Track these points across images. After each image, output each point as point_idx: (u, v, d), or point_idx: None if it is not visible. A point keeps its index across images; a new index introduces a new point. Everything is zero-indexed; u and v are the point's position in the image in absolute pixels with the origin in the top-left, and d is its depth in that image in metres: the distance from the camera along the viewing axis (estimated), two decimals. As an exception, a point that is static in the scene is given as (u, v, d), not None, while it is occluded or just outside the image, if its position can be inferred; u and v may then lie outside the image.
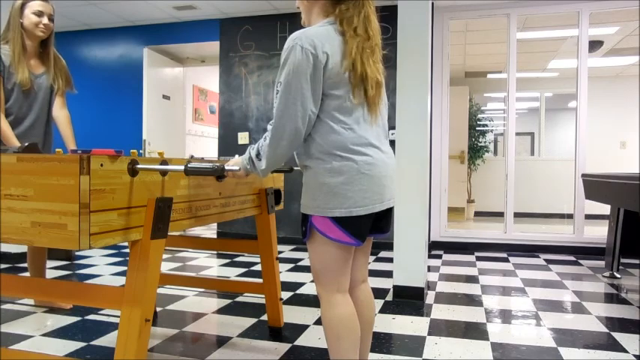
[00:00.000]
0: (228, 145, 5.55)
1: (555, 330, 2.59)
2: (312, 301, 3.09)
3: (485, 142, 8.15)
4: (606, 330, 2.60)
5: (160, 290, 3.20)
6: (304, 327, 2.59)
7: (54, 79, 2.62)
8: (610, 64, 7.45)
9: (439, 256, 4.75)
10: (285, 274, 3.89)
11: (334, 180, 1.47)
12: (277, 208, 2.43)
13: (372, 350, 2.27)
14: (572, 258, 4.72)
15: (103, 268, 4.00)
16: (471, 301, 3.16)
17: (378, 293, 3.27)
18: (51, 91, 2.64)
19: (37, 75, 2.55)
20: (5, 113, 2.48)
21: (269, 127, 1.48)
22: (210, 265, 4.27)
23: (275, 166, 1.51)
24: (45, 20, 2.45)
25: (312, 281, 3.62)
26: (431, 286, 3.52)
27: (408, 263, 3.12)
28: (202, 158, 2.17)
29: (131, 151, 1.49)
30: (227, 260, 4.45)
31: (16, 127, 2.51)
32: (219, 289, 3.28)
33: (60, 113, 2.72)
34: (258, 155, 1.50)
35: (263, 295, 2.46)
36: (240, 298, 3.13)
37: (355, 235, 1.50)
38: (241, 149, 5.41)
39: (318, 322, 2.68)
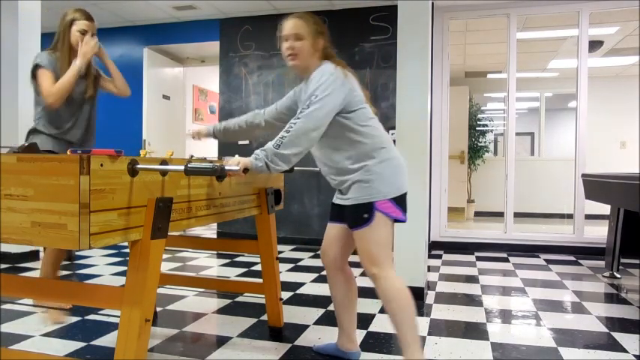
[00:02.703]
0: (228, 145, 5.55)
1: (555, 330, 2.59)
2: (312, 301, 3.09)
3: (485, 142, 8.15)
4: (606, 330, 2.60)
5: (160, 290, 3.20)
6: (304, 327, 2.59)
7: (91, 86, 2.79)
8: (610, 64, 7.45)
9: (439, 256, 4.75)
10: (285, 274, 3.89)
11: (385, 170, 1.86)
12: (277, 208, 2.43)
13: (372, 350, 2.27)
14: (572, 258, 4.72)
15: (103, 268, 4.00)
16: (471, 301, 3.16)
17: (378, 293, 3.27)
18: (89, 97, 2.80)
19: (78, 83, 2.71)
20: (50, 117, 2.64)
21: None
22: (210, 265, 4.27)
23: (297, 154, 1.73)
24: (87, 38, 2.64)
25: (311, 281, 3.63)
26: (431, 286, 3.52)
27: (408, 263, 3.12)
28: (205, 158, 2.17)
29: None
30: (227, 260, 4.45)
31: (59, 130, 2.66)
32: (219, 289, 3.28)
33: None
34: (279, 146, 1.69)
35: (263, 295, 2.46)
36: (240, 298, 3.13)
37: (405, 211, 1.91)
38: (241, 149, 5.41)
39: (318, 322, 2.68)
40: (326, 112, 1.76)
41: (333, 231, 2.08)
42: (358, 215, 1.86)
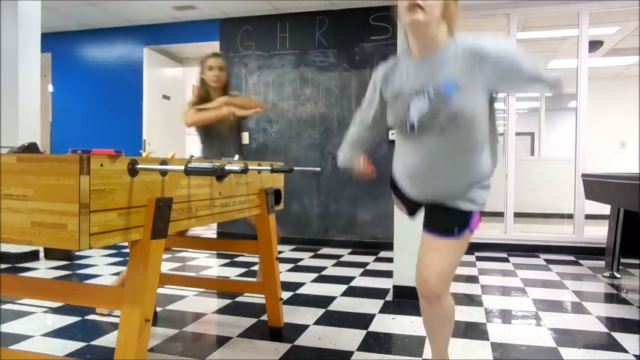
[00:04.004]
0: (228, 145, 5.54)
1: (555, 330, 2.59)
2: (312, 301, 3.09)
3: (485, 142, 8.13)
4: (606, 330, 2.60)
5: (160, 290, 3.20)
6: (304, 327, 2.59)
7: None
8: (610, 64, 7.45)
9: (439, 256, 4.74)
10: (285, 274, 3.89)
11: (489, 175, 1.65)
12: (277, 208, 2.43)
13: (372, 350, 2.27)
14: (572, 258, 4.72)
15: (103, 268, 4.00)
16: (471, 301, 3.16)
17: (378, 293, 3.27)
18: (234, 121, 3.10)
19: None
20: (201, 136, 3.11)
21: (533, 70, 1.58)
22: (210, 265, 4.27)
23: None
24: (215, 72, 3.02)
25: (311, 281, 3.63)
26: (431, 286, 3.51)
27: (408, 263, 3.10)
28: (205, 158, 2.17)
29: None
30: (227, 260, 4.45)
31: (210, 152, 3.04)
32: (219, 289, 3.28)
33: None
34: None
35: (263, 295, 2.46)
36: (240, 298, 3.13)
37: None
38: (241, 149, 5.41)
39: (318, 322, 2.68)
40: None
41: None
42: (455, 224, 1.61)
